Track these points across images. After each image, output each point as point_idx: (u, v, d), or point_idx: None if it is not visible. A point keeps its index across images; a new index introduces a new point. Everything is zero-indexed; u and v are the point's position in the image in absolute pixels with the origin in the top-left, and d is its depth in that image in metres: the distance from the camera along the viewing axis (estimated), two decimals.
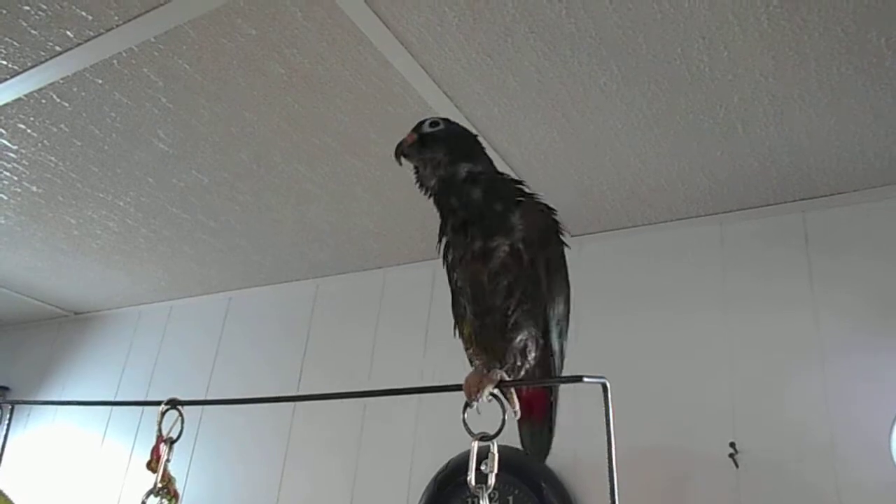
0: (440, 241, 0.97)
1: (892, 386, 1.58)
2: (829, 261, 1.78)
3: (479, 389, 0.85)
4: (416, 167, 1.00)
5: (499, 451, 0.82)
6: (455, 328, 0.99)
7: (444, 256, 0.96)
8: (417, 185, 0.99)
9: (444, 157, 0.96)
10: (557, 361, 0.95)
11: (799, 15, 1.28)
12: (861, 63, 1.38)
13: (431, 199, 0.98)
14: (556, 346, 0.94)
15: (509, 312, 0.89)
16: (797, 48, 1.35)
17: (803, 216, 1.85)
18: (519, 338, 0.90)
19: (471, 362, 0.97)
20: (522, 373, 0.92)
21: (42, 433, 3.24)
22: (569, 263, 0.98)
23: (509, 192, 0.95)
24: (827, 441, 1.60)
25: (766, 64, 1.40)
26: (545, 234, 0.93)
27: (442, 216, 0.96)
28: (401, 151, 0.98)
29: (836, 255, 1.77)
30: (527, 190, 0.96)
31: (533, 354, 0.92)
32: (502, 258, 0.89)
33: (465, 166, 0.95)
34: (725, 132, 1.62)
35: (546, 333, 0.93)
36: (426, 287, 2.39)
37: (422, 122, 1.00)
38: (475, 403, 0.86)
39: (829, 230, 1.81)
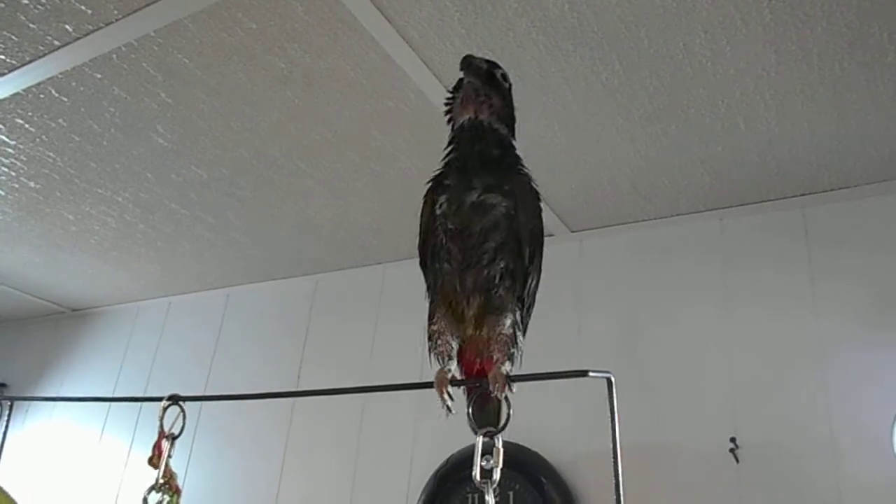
0: (433, 182, 0.95)
1: (892, 380, 1.58)
2: (830, 256, 1.78)
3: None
4: (452, 94, 0.99)
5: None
6: (433, 304, 0.95)
7: (433, 203, 0.93)
8: (446, 109, 0.98)
9: (495, 107, 0.95)
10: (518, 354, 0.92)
11: (801, 9, 1.27)
12: (863, 57, 1.37)
13: (449, 130, 0.97)
14: (521, 340, 0.92)
15: (494, 276, 0.88)
16: (799, 42, 1.35)
17: (804, 211, 1.85)
18: (506, 316, 0.89)
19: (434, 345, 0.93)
20: (508, 360, 0.89)
21: (40, 430, 3.23)
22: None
23: (518, 164, 0.95)
24: (827, 435, 1.61)
25: (769, 58, 1.40)
26: (536, 212, 0.93)
27: (447, 157, 0.95)
28: (475, 66, 0.96)
29: (836, 251, 1.77)
30: (527, 170, 0.96)
31: (515, 333, 0.90)
32: (498, 216, 0.88)
33: (502, 127, 0.96)
34: (727, 127, 1.62)
35: (523, 315, 0.92)
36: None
37: (492, 65, 0.98)
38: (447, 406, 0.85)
39: (829, 225, 1.81)
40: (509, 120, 0.99)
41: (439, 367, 0.91)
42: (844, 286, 1.73)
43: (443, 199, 0.91)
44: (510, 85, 1.01)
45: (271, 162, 1.92)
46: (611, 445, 0.80)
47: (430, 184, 0.96)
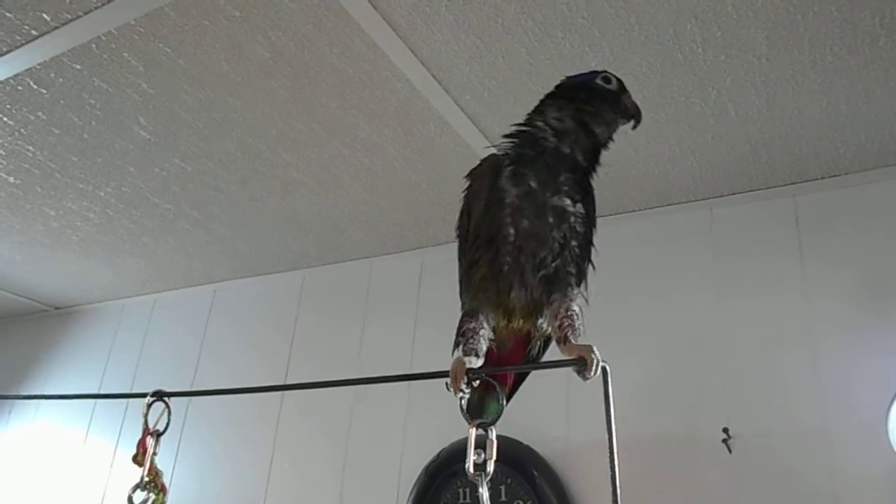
0: (505, 169, 0.89)
1: (884, 368, 1.58)
2: (820, 244, 1.77)
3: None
4: (560, 90, 0.97)
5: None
6: (473, 276, 0.90)
7: (497, 188, 0.89)
8: (556, 116, 0.94)
9: (604, 113, 0.93)
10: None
11: None
12: (854, 43, 1.36)
13: (568, 113, 0.93)
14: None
15: (560, 269, 0.87)
16: (791, 28, 1.34)
17: (794, 200, 1.85)
18: (558, 293, 0.88)
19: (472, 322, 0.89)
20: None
21: (24, 431, 3.18)
22: None
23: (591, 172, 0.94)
24: (820, 424, 1.60)
25: (759, 45, 1.39)
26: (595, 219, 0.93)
27: (531, 146, 0.91)
28: (639, 111, 0.95)
29: (827, 239, 1.77)
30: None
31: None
32: (574, 221, 0.88)
33: (600, 133, 0.94)
34: (717, 115, 1.60)
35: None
36: (414, 277, 2.36)
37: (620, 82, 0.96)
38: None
39: (819, 214, 1.80)
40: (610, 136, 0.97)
41: (457, 356, 0.87)
42: (835, 274, 1.72)
43: (516, 191, 0.87)
44: None
45: (256, 154, 1.89)
46: (604, 437, 0.78)
47: (492, 161, 0.92)
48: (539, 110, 0.97)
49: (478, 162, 0.96)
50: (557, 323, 0.87)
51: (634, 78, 1.50)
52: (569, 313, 0.87)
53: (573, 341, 0.86)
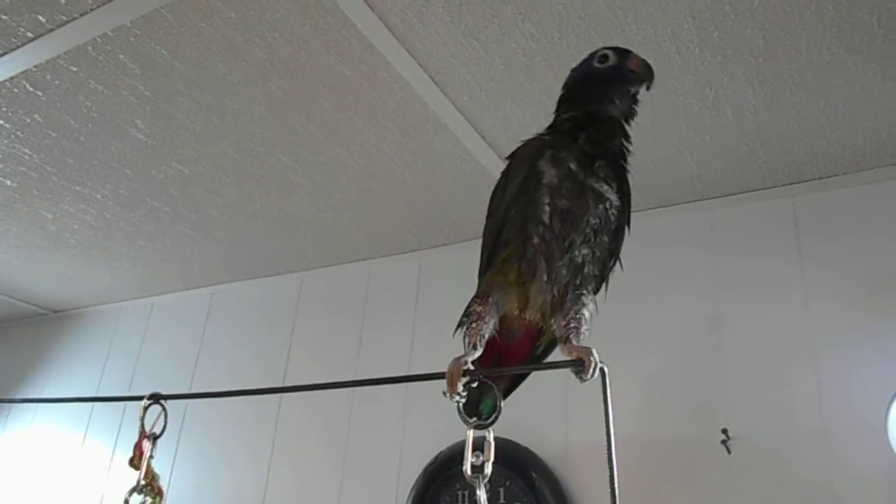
0: (545, 151, 0.88)
1: (883, 368, 1.58)
2: (819, 245, 1.77)
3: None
4: (566, 90, 0.97)
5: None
6: (497, 256, 0.89)
7: (539, 171, 0.87)
8: (597, 89, 0.95)
9: (612, 94, 0.93)
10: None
11: None
12: (852, 42, 1.36)
13: (578, 109, 0.93)
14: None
15: (587, 265, 0.86)
16: (787, 27, 1.34)
17: (792, 200, 1.84)
18: (573, 294, 0.87)
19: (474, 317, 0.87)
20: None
21: (22, 434, 3.17)
22: None
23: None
24: (819, 425, 1.60)
25: (757, 44, 1.38)
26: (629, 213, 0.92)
27: (571, 131, 0.90)
28: (648, 68, 0.94)
29: (825, 239, 1.77)
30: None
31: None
32: (612, 213, 0.87)
33: (618, 113, 0.94)
34: (715, 115, 1.60)
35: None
36: (413, 279, 2.36)
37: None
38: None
39: (818, 214, 1.80)
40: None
41: (454, 357, 0.85)
42: (835, 274, 1.72)
43: (555, 172, 0.86)
44: None
45: (254, 156, 1.89)
46: (603, 439, 0.78)
47: (533, 144, 0.91)
48: (556, 117, 0.97)
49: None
50: (564, 322, 0.86)
51: None
52: (578, 316, 0.86)
53: (574, 342, 0.85)
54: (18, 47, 1.49)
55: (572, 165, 0.86)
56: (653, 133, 1.67)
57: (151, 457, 1.05)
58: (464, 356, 0.84)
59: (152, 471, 1.05)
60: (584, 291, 0.87)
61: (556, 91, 1.58)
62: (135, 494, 1.02)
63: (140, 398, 1.06)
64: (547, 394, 1.90)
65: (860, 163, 1.73)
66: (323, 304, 2.57)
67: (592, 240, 0.85)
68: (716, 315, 1.82)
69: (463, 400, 0.83)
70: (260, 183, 2.02)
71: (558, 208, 0.84)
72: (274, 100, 1.65)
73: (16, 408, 3.27)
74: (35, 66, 1.55)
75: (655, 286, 1.94)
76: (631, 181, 0.92)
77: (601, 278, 0.91)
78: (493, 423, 0.80)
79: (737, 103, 1.56)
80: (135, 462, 1.04)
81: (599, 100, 0.93)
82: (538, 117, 1.64)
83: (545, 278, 0.85)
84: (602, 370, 0.81)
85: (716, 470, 1.66)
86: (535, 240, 0.84)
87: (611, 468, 0.76)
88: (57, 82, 1.61)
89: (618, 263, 0.94)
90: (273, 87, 1.60)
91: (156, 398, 1.06)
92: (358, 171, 1.93)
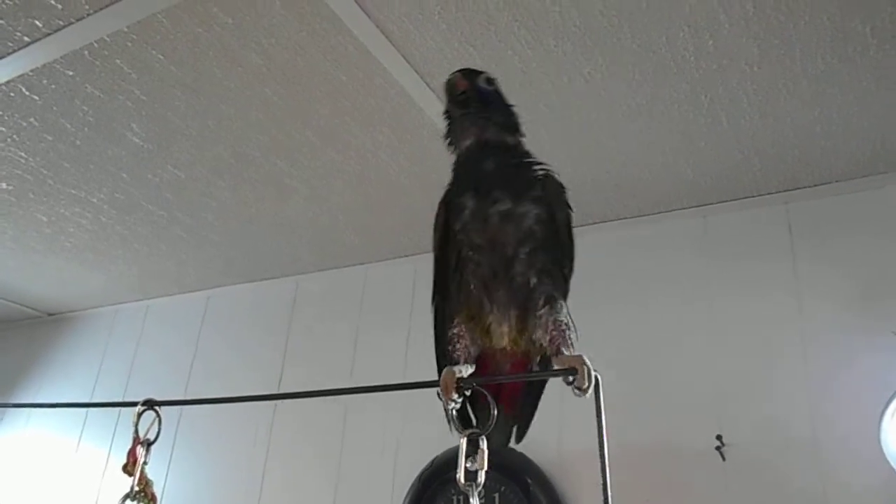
0: (447, 201, 0.92)
1: (875, 376, 1.58)
2: (813, 251, 1.77)
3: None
4: (450, 115, 0.97)
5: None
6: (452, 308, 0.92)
7: (450, 220, 0.91)
8: (448, 137, 0.97)
9: (494, 120, 0.94)
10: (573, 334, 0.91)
11: (784, 3, 1.27)
12: (846, 51, 1.37)
13: (454, 153, 0.95)
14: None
15: (532, 280, 0.87)
16: (782, 36, 1.34)
17: (786, 207, 1.85)
18: (545, 308, 0.87)
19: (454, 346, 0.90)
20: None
21: (15, 439, 3.16)
22: None
23: (537, 164, 0.94)
24: (812, 432, 1.60)
25: (752, 53, 1.39)
26: (567, 204, 0.92)
27: (459, 177, 0.93)
28: (462, 94, 0.94)
29: (819, 246, 1.77)
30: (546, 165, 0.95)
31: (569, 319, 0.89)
32: (530, 224, 0.87)
33: (509, 138, 0.95)
34: (710, 123, 1.61)
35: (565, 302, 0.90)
36: (408, 283, 2.36)
37: (474, 73, 0.97)
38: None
39: (813, 221, 1.81)
40: (511, 121, 0.97)
41: (448, 366, 0.87)
42: (829, 282, 1.72)
43: (465, 214, 0.88)
44: (496, 87, 0.99)
45: (250, 161, 1.89)
46: (596, 445, 0.78)
47: (441, 203, 0.94)
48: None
49: None
50: (549, 337, 0.87)
51: (627, 86, 1.50)
52: (559, 326, 0.87)
53: (566, 353, 0.85)
54: (15, 51, 1.49)
55: (470, 204, 0.88)
56: (648, 139, 1.68)
57: (145, 463, 1.05)
58: (458, 366, 0.86)
59: (146, 477, 1.04)
60: (550, 303, 0.88)
61: (552, 98, 1.59)
62: (128, 501, 1.02)
63: (134, 404, 1.06)
64: (542, 400, 1.90)
65: (854, 170, 1.74)
66: (318, 308, 2.57)
67: (524, 256, 0.87)
68: (710, 321, 1.83)
69: (458, 405, 0.84)
70: (256, 187, 2.02)
71: (476, 245, 0.87)
72: (270, 105, 1.65)
73: (10, 412, 3.26)
74: (31, 70, 1.55)
75: (650, 292, 1.94)
76: (552, 180, 0.92)
77: (564, 281, 0.92)
78: (486, 431, 0.81)
79: (732, 111, 1.56)
80: (128, 468, 1.04)
81: (462, 132, 0.96)
82: (532, 123, 1.65)
83: (494, 310, 0.87)
84: (595, 378, 0.81)
85: (710, 476, 1.67)
86: (471, 284, 0.88)
87: (604, 474, 0.77)
88: (53, 86, 1.61)
89: (572, 264, 0.95)
90: (269, 92, 1.60)
91: (150, 404, 1.06)
92: (354, 176, 1.94)
